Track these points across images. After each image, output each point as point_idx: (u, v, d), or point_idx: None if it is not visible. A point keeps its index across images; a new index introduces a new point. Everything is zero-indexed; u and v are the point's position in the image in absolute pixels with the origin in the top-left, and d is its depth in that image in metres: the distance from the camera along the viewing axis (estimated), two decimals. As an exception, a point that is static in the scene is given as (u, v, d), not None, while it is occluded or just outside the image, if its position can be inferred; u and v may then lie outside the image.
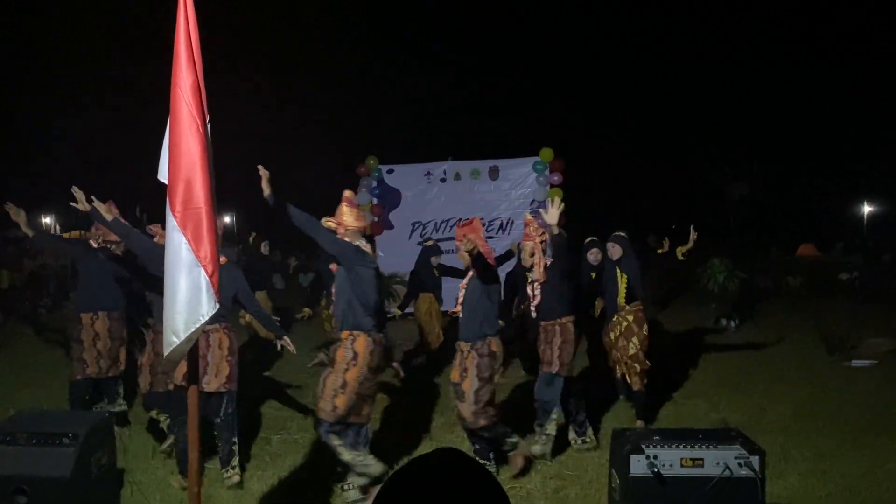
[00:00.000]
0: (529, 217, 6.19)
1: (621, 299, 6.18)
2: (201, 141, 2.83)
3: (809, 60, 25.56)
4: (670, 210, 24.13)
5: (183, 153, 2.82)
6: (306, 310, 8.70)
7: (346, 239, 4.78)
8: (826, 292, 14.87)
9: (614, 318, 6.24)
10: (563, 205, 5.33)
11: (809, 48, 25.32)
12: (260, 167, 4.53)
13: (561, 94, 25.45)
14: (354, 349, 4.61)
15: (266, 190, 4.58)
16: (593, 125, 25.36)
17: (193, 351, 3.11)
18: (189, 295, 2.84)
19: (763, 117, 26.23)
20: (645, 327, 6.18)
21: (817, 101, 25.81)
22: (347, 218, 4.85)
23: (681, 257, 6.45)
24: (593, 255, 6.73)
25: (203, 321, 2.85)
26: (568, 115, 24.64)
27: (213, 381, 5.01)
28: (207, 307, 2.85)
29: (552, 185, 11.80)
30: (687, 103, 25.92)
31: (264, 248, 8.72)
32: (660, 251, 6.91)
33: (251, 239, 8.12)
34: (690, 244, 6.45)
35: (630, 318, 6.15)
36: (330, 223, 4.88)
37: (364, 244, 5.01)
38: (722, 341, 10.09)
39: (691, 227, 6.39)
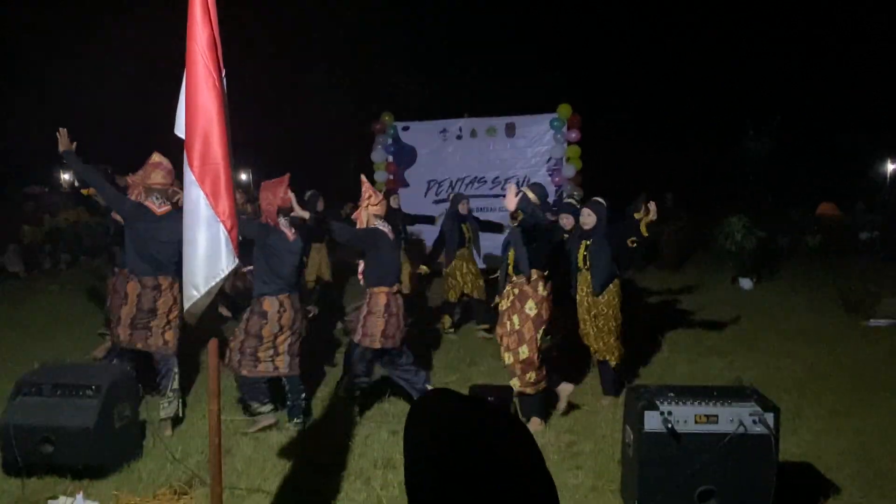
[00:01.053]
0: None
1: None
2: (218, 96, 2.82)
3: (833, 14, 24.91)
4: (690, 167, 23.82)
5: (199, 108, 2.81)
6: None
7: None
8: (845, 251, 14.74)
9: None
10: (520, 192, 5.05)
11: (831, 3, 24.69)
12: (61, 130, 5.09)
13: (579, 50, 25.01)
14: (263, 309, 5.14)
15: (63, 146, 5.14)
16: (611, 81, 24.94)
17: (212, 306, 3.15)
18: (208, 249, 2.86)
19: (786, 73, 25.69)
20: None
21: (841, 58, 25.20)
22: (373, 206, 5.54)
23: (644, 232, 5.67)
24: (565, 220, 6.17)
25: (223, 275, 2.88)
26: (586, 71, 24.23)
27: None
28: (227, 261, 2.87)
29: (569, 143, 11.68)
30: (708, 58, 25.41)
31: (320, 205, 8.63)
32: (637, 216, 6.39)
33: (306, 196, 8.26)
34: (651, 215, 5.65)
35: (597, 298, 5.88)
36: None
37: (383, 224, 5.54)
38: (738, 299, 10.06)
39: (644, 195, 6.21)
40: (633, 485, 3.83)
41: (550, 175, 11.78)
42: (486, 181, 12.05)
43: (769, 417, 3.64)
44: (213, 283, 2.87)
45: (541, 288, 5.20)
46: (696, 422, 3.69)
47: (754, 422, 3.64)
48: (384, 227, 5.54)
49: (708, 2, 25.29)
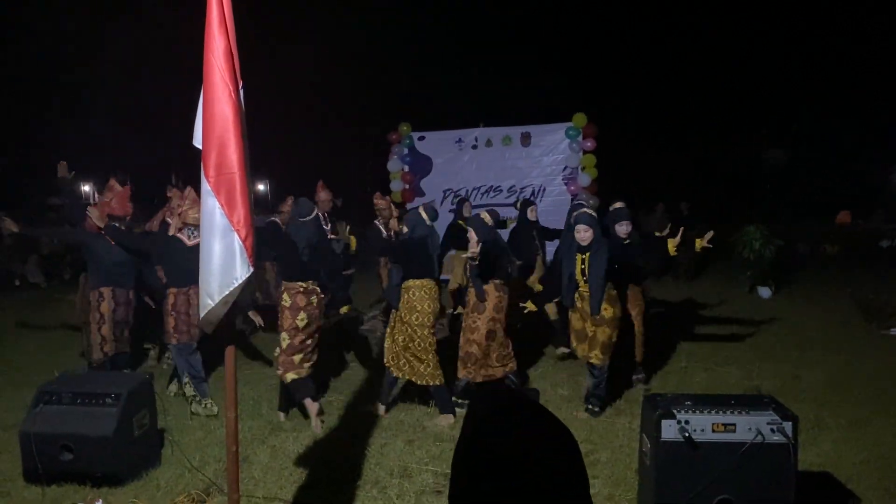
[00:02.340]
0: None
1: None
2: (234, 106, 2.85)
3: (851, 21, 24.75)
4: (707, 176, 23.71)
5: (216, 119, 2.85)
6: None
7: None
8: (865, 260, 14.58)
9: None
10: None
11: (851, 7, 24.50)
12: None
13: (594, 59, 25.00)
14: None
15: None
16: (627, 90, 24.90)
17: (229, 314, 3.17)
18: (223, 259, 2.89)
19: (803, 81, 25.54)
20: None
21: (861, 67, 25.03)
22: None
23: (672, 252, 5.92)
24: (624, 228, 6.23)
25: (237, 284, 2.91)
26: (601, 80, 24.21)
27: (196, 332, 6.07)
28: (241, 271, 2.90)
29: (585, 152, 11.67)
30: (724, 66, 25.32)
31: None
32: (660, 234, 6.68)
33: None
34: (678, 238, 5.91)
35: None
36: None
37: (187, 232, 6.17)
38: (757, 308, 9.99)
39: (663, 211, 6.33)
40: (650, 494, 3.81)
41: (566, 184, 11.78)
42: (501, 190, 12.06)
43: (787, 426, 3.61)
44: (228, 292, 2.90)
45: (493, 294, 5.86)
46: (713, 431, 3.66)
47: (772, 431, 3.60)
48: (184, 235, 6.13)
49: (726, 12, 25.20)
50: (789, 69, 25.85)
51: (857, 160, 24.36)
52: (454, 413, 5.68)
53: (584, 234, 5.68)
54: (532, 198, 11.52)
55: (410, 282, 5.67)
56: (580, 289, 5.76)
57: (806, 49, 25.47)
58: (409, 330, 5.63)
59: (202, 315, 2.98)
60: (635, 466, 4.35)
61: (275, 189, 35.21)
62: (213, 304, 2.91)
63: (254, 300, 6.71)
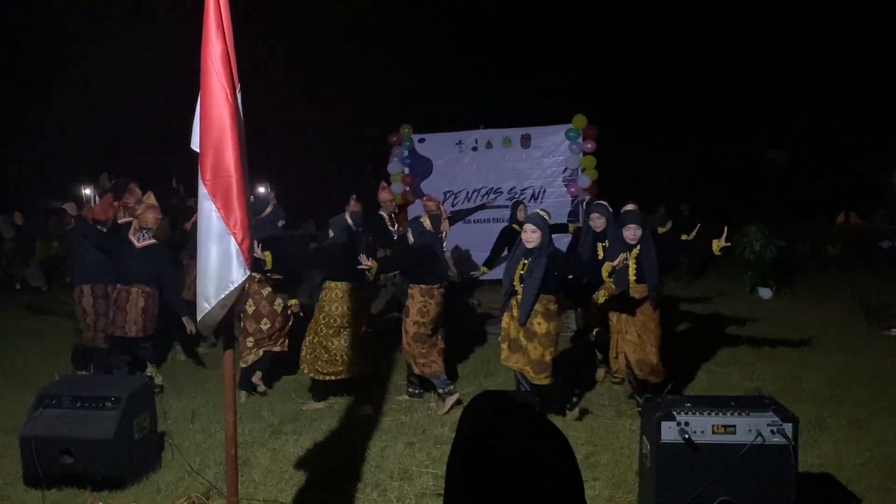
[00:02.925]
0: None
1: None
2: (231, 109, 2.86)
3: (851, 21, 24.74)
4: (707, 176, 23.70)
5: (213, 122, 2.85)
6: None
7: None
8: (865, 260, 14.56)
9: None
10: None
11: (852, 7, 24.49)
12: None
13: (594, 60, 25.00)
14: None
15: None
16: (627, 91, 24.87)
17: (227, 317, 3.17)
18: (219, 262, 2.90)
19: (803, 81, 25.51)
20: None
21: (859, 65, 25.00)
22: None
23: (717, 251, 5.79)
24: (630, 232, 5.77)
25: (233, 287, 2.91)
26: (601, 82, 24.21)
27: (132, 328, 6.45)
28: (238, 274, 2.90)
29: (585, 153, 11.65)
30: (724, 67, 25.30)
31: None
32: (685, 238, 6.70)
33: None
34: (723, 240, 5.85)
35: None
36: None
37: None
38: (758, 309, 9.97)
39: (664, 212, 6.32)
40: (650, 496, 3.80)
41: (566, 185, 11.76)
42: (502, 192, 12.04)
43: (788, 428, 3.60)
44: (224, 295, 2.90)
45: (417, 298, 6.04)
46: (713, 432, 3.66)
47: (773, 432, 3.60)
48: (135, 237, 6.51)
49: (727, 12, 25.19)
50: (790, 69, 25.83)
51: (858, 161, 24.33)
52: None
53: (530, 234, 5.32)
54: (531, 199, 11.52)
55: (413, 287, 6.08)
56: (517, 295, 5.45)
57: (806, 49, 25.44)
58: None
59: (199, 318, 2.98)
60: (636, 468, 4.35)
61: (274, 191, 35.24)
62: (209, 308, 2.91)
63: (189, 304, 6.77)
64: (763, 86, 25.69)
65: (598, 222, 6.75)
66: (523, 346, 5.41)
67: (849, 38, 24.71)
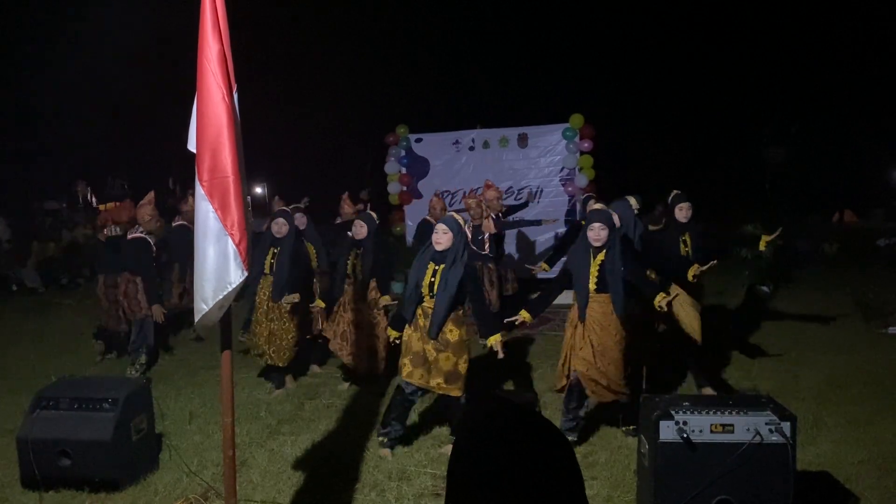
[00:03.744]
0: None
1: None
2: (227, 110, 2.85)
3: (851, 19, 24.76)
4: (706, 175, 23.71)
5: (210, 122, 2.84)
6: None
7: None
8: (863, 259, 14.57)
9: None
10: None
11: (852, 8, 24.50)
12: None
13: (590, 59, 25.00)
14: None
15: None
16: (624, 90, 24.87)
17: (226, 319, 3.17)
18: (217, 263, 2.88)
19: (803, 80, 25.53)
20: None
21: (858, 65, 25.03)
22: None
23: (690, 278, 5.74)
24: (594, 233, 4.99)
25: (231, 289, 2.89)
26: (598, 80, 24.20)
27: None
28: (235, 275, 2.89)
29: (582, 153, 11.67)
30: (723, 65, 25.31)
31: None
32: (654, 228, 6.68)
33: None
34: (775, 236, 6.10)
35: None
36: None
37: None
38: (755, 308, 9.98)
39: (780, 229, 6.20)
40: (648, 495, 3.80)
41: (563, 184, 11.78)
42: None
43: (786, 426, 3.60)
44: (222, 297, 2.89)
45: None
46: (711, 431, 3.66)
47: (771, 431, 3.60)
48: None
49: (725, 11, 25.20)
50: (788, 67, 25.84)
51: (856, 159, 24.37)
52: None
53: (441, 236, 4.85)
54: (528, 199, 11.56)
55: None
56: (424, 304, 4.94)
57: (806, 47, 25.46)
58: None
59: (196, 319, 2.97)
60: (634, 467, 4.35)
61: (272, 192, 35.23)
62: (207, 309, 2.90)
63: (160, 296, 7.41)
64: (762, 84, 25.71)
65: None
66: (431, 359, 4.89)
67: (849, 36, 24.74)
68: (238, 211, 2.87)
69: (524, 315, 5.20)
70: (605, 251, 4.94)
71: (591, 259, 4.97)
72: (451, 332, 4.90)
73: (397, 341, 5.17)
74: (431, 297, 4.87)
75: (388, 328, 5.33)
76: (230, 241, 2.86)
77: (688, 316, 5.91)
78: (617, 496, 4.27)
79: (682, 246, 6.42)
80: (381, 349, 6.49)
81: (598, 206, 5.49)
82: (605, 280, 4.90)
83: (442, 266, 4.84)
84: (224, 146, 2.84)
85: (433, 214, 8.69)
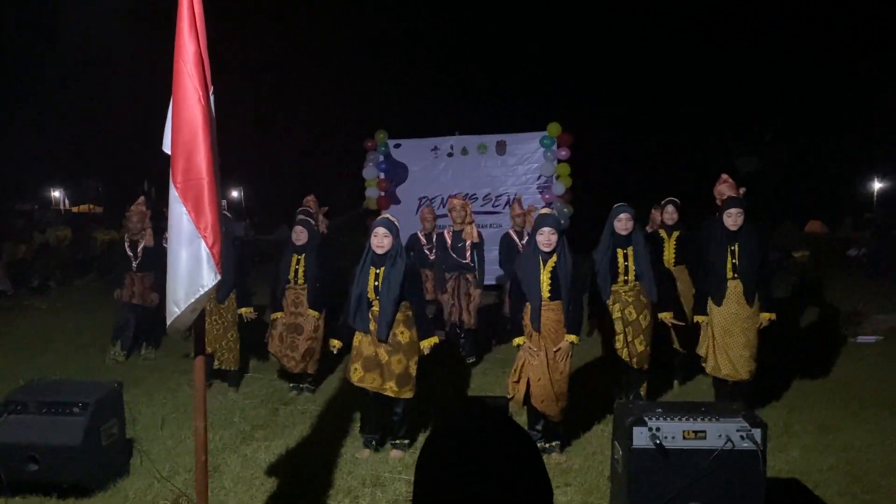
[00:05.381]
0: None
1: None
2: (203, 111, 2.83)
3: (822, 35, 25.22)
4: (680, 184, 23.99)
5: (184, 124, 2.82)
6: None
7: None
8: (833, 268, 14.81)
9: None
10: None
11: (821, 20, 24.96)
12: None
13: (569, 68, 25.21)
14: None
15: None
16: (601, 99, 25.11)
17: (199, 321, 3.14)
18: (189, 265, 2.86)
19: (775, 92, 25.95)
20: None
21: (829, 77, 25.49)
22: None
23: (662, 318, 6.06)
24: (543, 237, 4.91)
25: (203, 292, 2.87)
26: (576, 90, 24.41)
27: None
28: (208, 278, 2.87)
29: (560, 161, 11.75)
30: (697, 76, 25.64)
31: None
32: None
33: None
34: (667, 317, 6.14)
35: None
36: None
37: None
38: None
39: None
40: (622, 501, 3.83)
41: (540, 192, 11.84)
42: (476, 198, 12.09)
43: (757, 433, 3.65)
44: (194, 299, 2.87)
45: None
46: (684, 437, 3.69)
47: (742, 437, 3.64)
48: None
49: (699, 22, 25.55)
50: (761, 80, 26.26)
51: (827, 170, 24.79)
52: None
53: (382, 240, 4.96)
54: (505, 206, 11.62)
55: None
56: (373, 308, 4.99)
57: (778, 60, 25.89)
58: None
59: (169, 322, 2.94)
60: (608, 473, 4.37)
61: (249, 195, 35.02)
62: (178, 312, 2.87)
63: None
64: (735, 95, 26.09)
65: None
66: (384, 362, 4.94)
67: (820, 51, 25.18)
68: (212, 214, 2.85)
69: (519, 340, 5.02)
70: (555, 256, 4.87)
71: (542, 266, 4.88)
72: (403, 335, 4.98)
73: (335, 350, 5.27)
74: (377, 298, 4.97)
75: (331, 339, 5.36)
76: (203, 243, 2.84)
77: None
78: (591, 502, 4.29)
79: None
80: (317, 351, 6.61)
81: (544, 210, 5.42)
82: (557, 287, 4.85)
83: (383, 269, 4.94)
84: (199, 148, 2.81)
85: (425, 228, 8.42)
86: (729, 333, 5.61)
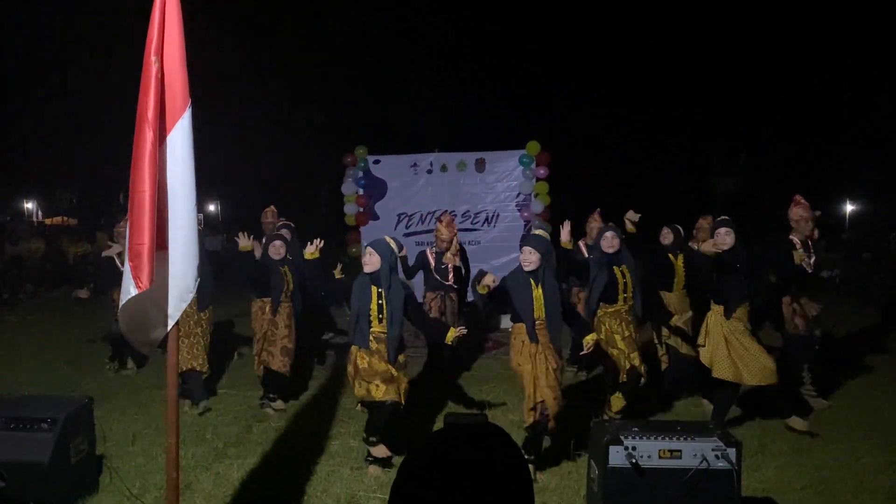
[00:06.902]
0: None
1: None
2: (153, 131, 2.80)
3: (798, 58, 25.71)
4: (656, 204, 24.23)
5: (139, 131, 2.83)
6: None
7: None
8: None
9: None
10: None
11: (797, 45, 25.45)
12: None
13: (548, 88, 25.45)
14: None
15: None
16: (580, 119, 25.35)
17: (173, 335, 3.11)
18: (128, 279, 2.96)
19: (750, 112, 26.36)
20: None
21: (805, 98, 25.97)
22: None
23: None
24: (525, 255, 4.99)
25: (125, 300, 2.95)
26: (555, 109, 24.64)
27: None
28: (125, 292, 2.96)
29: (538, 179, 11.81)
30: (674, 97, 26.00)
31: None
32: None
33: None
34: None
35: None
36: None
37: None
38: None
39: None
40: (597, 521, 3.82)
41: (519, 210, 11.89)
42: (455, 215, 12.11)
43: (731, 452, 3.67)
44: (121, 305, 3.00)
45: None
46: (660, 457, 3.70)
47: (717, 457, 3.66)
48: None
49: (677, 42, 25.93)
50: (736, 101, 26.67)
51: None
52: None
53: (369, 258, 5.00)
54: (484, 223, 11.67)
55: None
56: (374, 329, 5.00)
57: (754, 80, 26.33)
58: None
59: (153, 336, 3.00)
60: (584, 493, 4.36)
61: (225, 210, 34.80)
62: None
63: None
64: (711, 116, 26.47)
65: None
66: (397, 376, 5.02)
67: (797, 70, 25.63)
68: (150, 227, 2.81)
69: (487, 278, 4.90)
70: (543, 277, 4.92)
71: (533, 286, 4.91)
72: (401, 356, 5.15)
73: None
74: (380, 321, 4.99)
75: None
76: (129, 258, 2.87)
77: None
78: (566, 521, 4.27)
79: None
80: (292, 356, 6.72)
81: (538, 231, 5.56)
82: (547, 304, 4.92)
83: (381, 290, 5.00)
84: (144, 161, 2.80)
85: (440, 247, 8.03)
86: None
